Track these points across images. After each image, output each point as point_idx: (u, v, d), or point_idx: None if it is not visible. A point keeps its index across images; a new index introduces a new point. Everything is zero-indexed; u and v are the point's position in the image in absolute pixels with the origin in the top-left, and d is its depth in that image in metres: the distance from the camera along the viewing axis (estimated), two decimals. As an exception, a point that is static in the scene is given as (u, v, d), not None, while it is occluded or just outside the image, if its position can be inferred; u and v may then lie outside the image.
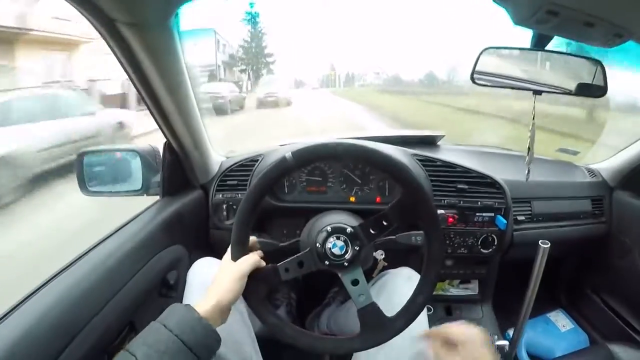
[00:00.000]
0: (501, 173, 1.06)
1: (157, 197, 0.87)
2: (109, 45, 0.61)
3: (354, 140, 1.04)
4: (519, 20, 0.68)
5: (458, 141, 1.57)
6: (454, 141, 1.52)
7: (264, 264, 0.58)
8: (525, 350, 1.23)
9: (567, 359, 0.90)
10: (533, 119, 0.78)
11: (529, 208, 1.10)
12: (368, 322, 0.58)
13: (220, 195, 0.96)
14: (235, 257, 0.57)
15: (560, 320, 1.32)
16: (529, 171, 0.79)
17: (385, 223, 0.58)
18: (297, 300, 1.10)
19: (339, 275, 0.59)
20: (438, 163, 0.99)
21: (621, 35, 0.68)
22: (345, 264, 0.58)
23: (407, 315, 0.58)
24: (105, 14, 0.54)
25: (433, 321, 0.98)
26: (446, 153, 1.24)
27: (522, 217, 1.08)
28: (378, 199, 0.98)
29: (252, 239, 0.70)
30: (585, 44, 0.76)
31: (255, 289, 0.57)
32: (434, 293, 1.05)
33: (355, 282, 0.59)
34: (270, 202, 0.94)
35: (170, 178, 0.87)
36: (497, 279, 1.10)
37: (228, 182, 0.97)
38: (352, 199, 0.98)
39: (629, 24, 0.65)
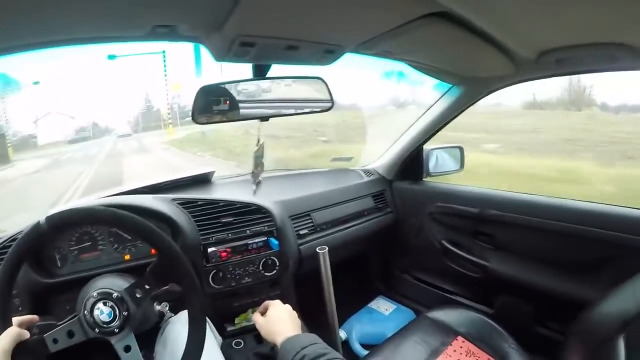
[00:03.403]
0: (277, 195, 1.13)
1: None
2: None
3: (116, 197, 0.99)
4: (219, 57, 0.72)
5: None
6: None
7: (27, 335, 0.56)
8: (358, 343, 1.32)
9: (395, 336, 0.97)
10: (259, 142, 0.85)
11: (310, 220, 1.17)
12: None
13: None
14: None
15: (382, 305, 1.51)
16: (255, 189, 0.88)
17: (147, 286, 0.61)
18: None
19: (112, 342, 0.59)
20: (199, 202, 1.00)
21: (332, 51, 0.77)
22: (116, 330, 0.59)
23: None
24: None
25: (245, 353, 0.94)
26: (217, 189, 1.27)
27: (305, 231, 1.14)
28: (153, 251, 0.92)
29: (30, 318, 0.63)
30: (298, 64, 0.81)
31: None
32: (240, 326, 1.02)
33: (127, 349, 0.60)
34: (43, 281, 0.83)
35: None
36: (304, 293, 1.13)
37: None
38: (127, 257, 0.92)
39: (338, 40, 0.73)
